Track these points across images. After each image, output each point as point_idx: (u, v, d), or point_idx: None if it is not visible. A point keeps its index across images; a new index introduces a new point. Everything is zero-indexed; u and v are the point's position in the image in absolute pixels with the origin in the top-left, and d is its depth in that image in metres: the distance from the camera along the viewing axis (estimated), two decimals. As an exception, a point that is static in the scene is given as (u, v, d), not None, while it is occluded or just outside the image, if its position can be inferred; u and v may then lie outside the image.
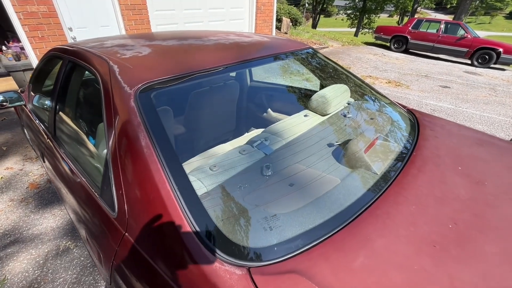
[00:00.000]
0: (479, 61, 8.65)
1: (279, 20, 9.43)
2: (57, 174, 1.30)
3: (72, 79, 1.27)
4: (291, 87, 2.33)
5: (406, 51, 10.31)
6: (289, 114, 2.18)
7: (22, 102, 1.91)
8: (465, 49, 8.77)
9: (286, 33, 9.52)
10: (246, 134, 2.21)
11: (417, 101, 4.80)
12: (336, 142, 1.07)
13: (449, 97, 5.13)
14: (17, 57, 4.18)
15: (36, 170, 2.74)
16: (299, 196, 0.80)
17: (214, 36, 1.40)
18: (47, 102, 1.49)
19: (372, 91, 1.55)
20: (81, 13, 4.23)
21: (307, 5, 33.54)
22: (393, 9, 29.96)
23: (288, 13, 10.56)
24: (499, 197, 0.80)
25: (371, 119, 1.30)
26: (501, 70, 8.35)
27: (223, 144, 1.62)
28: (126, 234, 0.75)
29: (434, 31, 9.44)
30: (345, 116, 1.37)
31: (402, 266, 0.58)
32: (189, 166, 0.97)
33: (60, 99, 1.29)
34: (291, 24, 10.17)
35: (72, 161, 1.12)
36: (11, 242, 1.93)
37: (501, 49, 8.23)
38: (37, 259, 1.80)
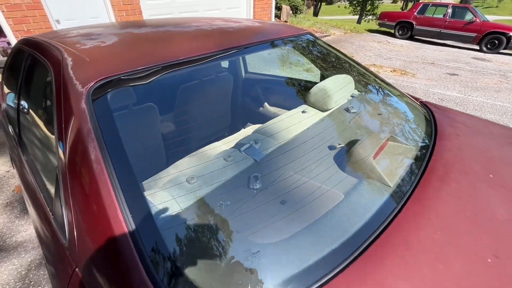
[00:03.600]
0: (488, 46, 8.28)
1: (278, 8, 9.09)
2: (22, 183, 1.15)
3: (32, 76, 1.11)
4: (290, 78, 2.14)
5: (411, 38, 9.93)
6: (288, 108, 2.00)
7: (-5, 101, 1.76)
8: (473, 34, 8.39)
9: (286, 21, 9.19)
10: (243, 130, 2.05)
11: (424, 90, 4.57)
12: (339, 144, 0.90)
13: (457, 85, 4.88)
14: (4, 53, 4.01)
15: (23, 172, 2.61)
16: (293, 219, 0.64)
17: (197, 22, 1.21)
18: (14, 103, 1.34)
19: (379, 81, 1.37)
20: (69, 5, 4.02)
21: (308, -8, 32.58)
22: (397, -6, 28.94)
23: (288, 1, 10.18)
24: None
25: (379, 114, 1.12)
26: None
27: (215, 143, 1.45)
28: (76, 269, 0.60)
29: (441, 16, 9.03)
30: (348, 111, 1.19)
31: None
32: (163, 178, 0.81)
33: (21, 99, 1.14)
34: (291, 12, 9.81)
35: (33, 173, 0.97)
36: (-7, 250, 1.82)
37: (511, 33, 7.85)
38: (19, 270, 1.69)
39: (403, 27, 9.86)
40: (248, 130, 1.71)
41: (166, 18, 1.54)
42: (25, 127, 1.13)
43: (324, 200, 0.68)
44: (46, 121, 0.93)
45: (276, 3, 8.09)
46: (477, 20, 8.33)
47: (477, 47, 8.58)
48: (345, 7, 30.43)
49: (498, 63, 6.87)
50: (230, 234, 0.59)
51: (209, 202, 0.70)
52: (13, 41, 3.69)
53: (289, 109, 2.06)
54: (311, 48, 1.40)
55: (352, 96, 1.30)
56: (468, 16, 8.55)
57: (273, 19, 7.17)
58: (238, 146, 0.95)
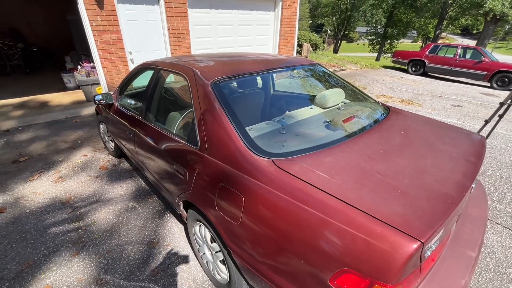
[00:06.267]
0: (499, 83, 8.80)
1: (300, 45, 10.35)
2: (144, 145, 2.01)
3: (160, 81, 2.03)
4: (306, 94, 2.96)
5: (424, 74, 10.68)
6: None
7: (112, 101, 2.72)
8: (483, 72, 8.99)
9: (306, 57, 10.36)
10: None
11: (426, 117, 5.19)
12: (328, 120, 1.67)
13: (458, 115, 5.46)
14: (88, 74, 5.26)
15: (104, 157, 3.53)
16: (301, 139, 1.41)
17: (250, 55, 2.10)
18: (132, 101, 2.27)
19: (361, 93, 2.14)
20: (139, 40, 5.29)
21: (329, 31, 34.90)
22: (415, 35, 30.44)
23: (309, 39, 11.51)
24: (416, 144, 1.35)
25: (357, 110, 1.88)
26: (522, 93, 8.39)
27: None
28: (205, 155, 1.39)
29: (452, 55, 9.79)
30: (339, 109, 1.96)
31: (349, 163, 1.14)
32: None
33: (152, 93, 2.03)
34: (311, 49, 11.04)
35: (163, 129, 1.82)
36: (95, 201, 2.65)
37: (520, 72, 8.38)
38: (114, 212, 2.49)
39: (415, 64, 10.68)
40: None
41: (234, 52, 2.47)
42: (157, 108, 2.02)
43: (315, 134, 1.43)
44: (176, 100, 1.78)
45: (298, 41, 9.31)
46: (486, 60, 8.98)
47: (488, 84, 9.12)
48: (364, 45, 32.22)
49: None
50: (273, 142, 1.36)
51: (261, 136, 1.47)
52: (98, 66, 4.92)
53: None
54: (319, 73, 2.23)
55: (343, 103, 2.07)
56: (477, 56, 9.23)
57: (295, 55, 8.30)
58: (272, 119, 1.74)
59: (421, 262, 0.86)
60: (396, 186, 1.02)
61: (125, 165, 3.35)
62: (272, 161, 1.16)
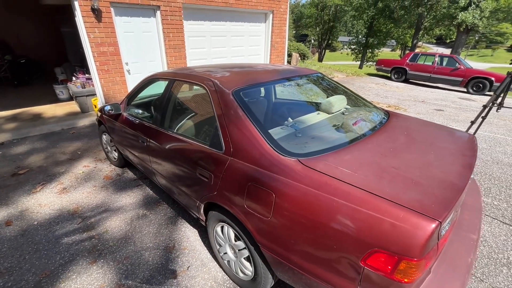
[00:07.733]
0: (474, 89, 9.45)
1: (289, 55, 10.70)
2: (160, 152, 2.09)
3: (175, 91, 2.13)
4: (305, 101, 3.14)
5: (406, 81, 11.27)
6: None
7: (120, 111, 2.78)
8: (459, 79, 9.63)
9: (295, 66, 10.71)
10: None
11: (413, 120, 5.52)
12: (337, 124, 1.83)
13: (441, 118, 5.84)
14: (83, 86, 5.25)
15: (106, 167, 3.54)
16: (317, 141, 1.55)
17: (260, 66, 2.26)
18: (144, 110, 2.35)
19: (361, 99, 2.34)
20: (136, 52, 5.36)
21: (313, 41, 36.08)
22: (395, 44, 32.08)
23: (297, 49, 11.92)
24: (419, 143, 1.53)
25: (360, 114, 2.06)
26: (495, 97, 9.03)
27: None
28: (231, 158, 1.50)
29: (430, 63, 10.44)
30: (343, 114, 2.14)
31: (366, 159, 1.29)
32: None
33: (168, 102, 2.13)
34: (299, 58, 11.43)
35: (182, 135, 1.91)
36: (104, 210, 2.66)
37: (493, 78, 9.05)
38: (126, 220, 2.51)
39: (398, 72, 11.28)
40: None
41: (241, 63, 2.62)
42: (175, 116, 2.11)
43: (330, 136, 1.58)
44: (193, 108, 1.89)
45: (287, 51, 9.64)
46: (461, 67, 9.65)
47: (465, 90, 9.77)
48: (347, 54, 33.51)
49: (482, 102, 7.89)
50: (294, 144, 1.50)
51: (282, 139, 1.60)
52: (95, 77, 4.93)
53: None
54: (321, 81, 2.41)
55: (345, 108, 2.25)
56: (453, 64, 9.91)
57: (285, 63, 8.59)
58: (286, 124, 1.88)
59: (438, 240, 1.01)
60: (409, 177, 1.17)
61: (129, 174, 3.37)
62: (298, 160, 1.30)
